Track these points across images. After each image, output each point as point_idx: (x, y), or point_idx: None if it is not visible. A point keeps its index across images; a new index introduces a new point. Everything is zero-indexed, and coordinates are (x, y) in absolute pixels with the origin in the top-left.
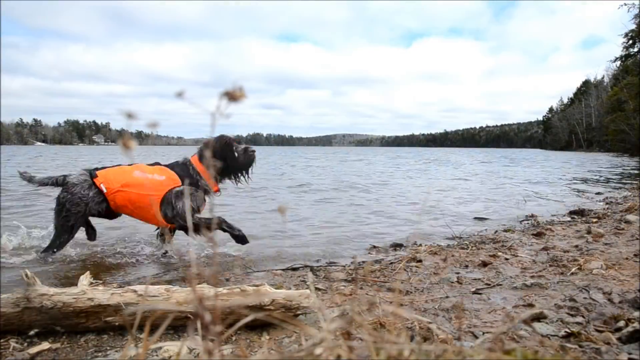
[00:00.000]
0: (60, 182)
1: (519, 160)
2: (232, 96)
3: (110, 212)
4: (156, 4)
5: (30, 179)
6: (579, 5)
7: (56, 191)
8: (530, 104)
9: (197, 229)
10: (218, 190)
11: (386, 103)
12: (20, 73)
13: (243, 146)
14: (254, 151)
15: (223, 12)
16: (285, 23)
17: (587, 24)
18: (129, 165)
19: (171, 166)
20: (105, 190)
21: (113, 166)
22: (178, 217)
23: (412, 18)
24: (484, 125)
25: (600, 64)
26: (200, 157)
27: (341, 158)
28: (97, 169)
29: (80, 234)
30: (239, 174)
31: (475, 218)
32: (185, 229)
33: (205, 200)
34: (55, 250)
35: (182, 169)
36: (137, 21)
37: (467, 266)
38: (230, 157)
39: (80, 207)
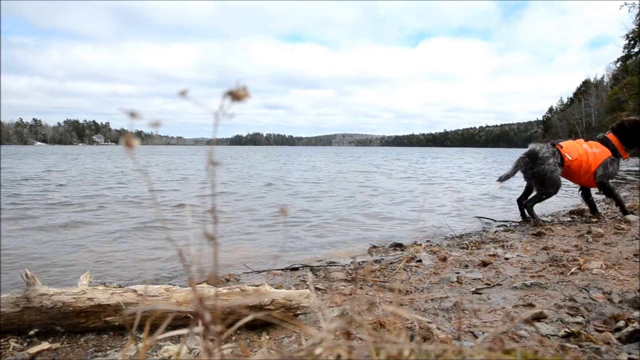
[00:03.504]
0: (528, 159)
1: None
2: (236, 95)
3: None
4: (166, 4)
5: (506, 177)
6: (589, 5)
7: None
8: (534, 104)
9: (607, 191)
10: (627, 157)
11: (389, 103)
12: (25, 73)
13: None
14: None
15: (232, 12)
16: (293, 23)
17: (597, 24)
18: (572, 140)
19: (597, 141)
20: (569, 158)
21: (564, 141)
22: (604, 177)
23: (422, 18)
24: (484, 125)
25: (602, 63)
26: (615, 132)
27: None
28: (555, 142)
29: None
30: None
31: (475, 217)
32: (604, 187)
33: (619, 166)
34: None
35: (605, 143)
36: (146, 21)
37: (467, 266)
38: (637, 133)
39: (559, 172)
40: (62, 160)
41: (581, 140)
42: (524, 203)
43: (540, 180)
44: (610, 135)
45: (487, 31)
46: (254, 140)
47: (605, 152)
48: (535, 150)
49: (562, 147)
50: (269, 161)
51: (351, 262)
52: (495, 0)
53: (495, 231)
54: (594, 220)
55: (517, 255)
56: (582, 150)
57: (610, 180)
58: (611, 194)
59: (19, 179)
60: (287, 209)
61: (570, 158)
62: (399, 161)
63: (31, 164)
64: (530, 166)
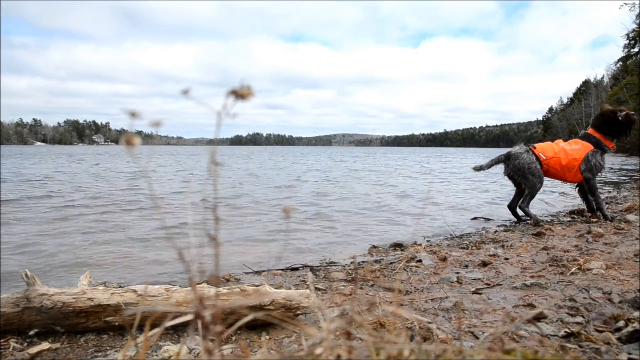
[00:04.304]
0: (503, 158)
1: None
2: (240, 94)
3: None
4: (168, 4)
5: (480, 168)
6: (591, 5)
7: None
8: (535, 104)
9: (591, 187)
10: (613, 147)
11: (390, 103)
12: (26, 73)
13: (624, 112)
14: (633, 114)
15: (234, 12)
16: (295, 23)
17: (599, 24)
18: (552, 142)
19: (578, 139)
20: (543, 157)
21: (541, 143)
22: (588, 171)
23: (423, 18)
24: (484, 125)
25: (603, 64)
26: (594, 126)
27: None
28: (529, 144)
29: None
30: (623, 134)
31: (475, 218)
32: (588, 183)
33: (603, 158)
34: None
35: (586, 139)
36: (148, 21)
37: (467, 266)
38: (615, 122)
39: (537, 165)
40: (78, 162)
41: (559, 141)
42: (519, 205)
43: (521, 173)
44: (590, 130)
45: (488, 31)
46: (254, 140)
47: (587, 147)
48: (510, 151)
49: (535, 147)
50: (295, 161)
51: (351, 262)
52: (497, 0)
53: (495, 231)
54: (594, 220)
55: (517, 255)
56: (558, 148)
57: (597, 173)
58: (594, 193)
59: (21, 179)
60: (289, 208)
61: (544, 157)
62: (414, 161)
63: (46, 165)
64: (508, 163)
